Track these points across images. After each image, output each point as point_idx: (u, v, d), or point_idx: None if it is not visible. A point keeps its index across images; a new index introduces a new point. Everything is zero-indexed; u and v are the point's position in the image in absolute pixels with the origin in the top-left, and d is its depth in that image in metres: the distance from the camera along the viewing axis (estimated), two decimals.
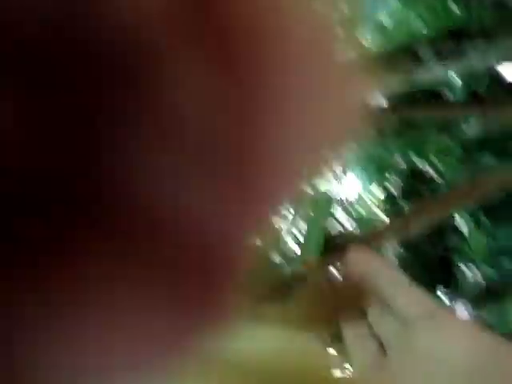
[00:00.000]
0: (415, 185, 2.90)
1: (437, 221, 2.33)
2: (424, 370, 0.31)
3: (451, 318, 0.33)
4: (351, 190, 3.55)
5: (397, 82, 1.46)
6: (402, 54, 1.42)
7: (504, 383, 0.29)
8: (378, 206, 3.42)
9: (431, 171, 2.61)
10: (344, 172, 3.38)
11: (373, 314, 0.35)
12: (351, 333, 0.35)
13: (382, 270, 0.34)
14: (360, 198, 3.53)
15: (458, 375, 0.30)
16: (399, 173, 3.05)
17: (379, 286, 0.34)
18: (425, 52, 1.43)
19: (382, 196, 3.30)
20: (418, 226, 2.14)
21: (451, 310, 0.28)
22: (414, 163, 2.70)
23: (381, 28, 2.08)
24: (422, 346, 0.31)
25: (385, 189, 3.27)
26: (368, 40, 2.95)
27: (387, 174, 3.19)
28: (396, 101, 1.78)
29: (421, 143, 2.21)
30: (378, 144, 2.83)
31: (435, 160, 2.39)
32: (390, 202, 3.29)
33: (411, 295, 0.34)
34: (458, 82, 1.69)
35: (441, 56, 1.45)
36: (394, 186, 3.16)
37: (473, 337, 0.31)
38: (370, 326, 0.34)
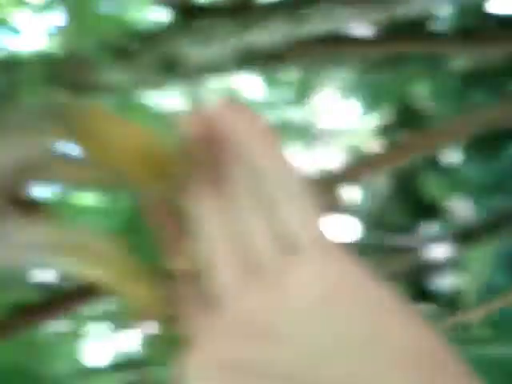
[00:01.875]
0: (408, 117, 2.87)
1: (428, 154, 2.32)
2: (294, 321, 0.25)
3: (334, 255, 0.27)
4: (345, 119, 3.53)
5: (381, 15, 1.38)
6: None
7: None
8: (372, 137, 3.42)
9: (423, 104, 2.58)
10: (338, 101, 3.35)
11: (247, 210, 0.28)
12: None
13: (273, 153, 0.28)
14: (354, 127, 3.52)
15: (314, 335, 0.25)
16: (393, 104, 3.01)
17: (267, 174, 0.27)
18: None
19: (375, 126, 3.29)
20: (408, 159, 2.12)
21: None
22: (407, 96, 2.66)
23: None
24: (296, 284, 0.26)
25: (379, 119, 3.26)
26: None
27: (382, 105, 3.15)
28: (382, 33, 1.69)
29: (411, 77, 2.14)
30: (373, 74, 2.77)
31: (426, 94, 2.36)
32: (384, 133, 3.28)
33: (302, 209, 0.27)
34: (445, 14, 1.59)
35: None
36: (388, 116, 3.14)
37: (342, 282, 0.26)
38: None
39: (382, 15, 1.37)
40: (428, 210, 2.85)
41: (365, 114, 3.46)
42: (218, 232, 0.26)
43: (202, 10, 1.30)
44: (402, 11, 1.42)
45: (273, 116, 2.55)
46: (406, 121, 2.94)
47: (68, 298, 0.55)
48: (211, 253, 0.26)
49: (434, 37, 1.71)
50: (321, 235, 0.27)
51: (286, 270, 0.25)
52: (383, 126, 3.22)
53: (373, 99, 3.05)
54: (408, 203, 2.98)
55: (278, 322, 0.24)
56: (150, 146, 0.31)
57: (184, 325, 0.29)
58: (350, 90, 3.40)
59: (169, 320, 0.32)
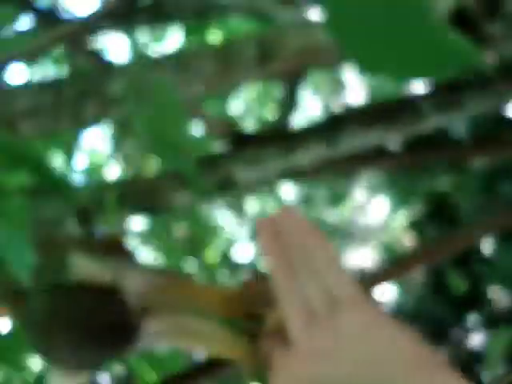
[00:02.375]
0: (439, 212, 2.93)
1: (462, 248, 2.39)
2: (343, 351, 0.35)
3: (370, 308, 0.37)
4: (376, 216, 3.63)
5: (402, 133, 1.56)
6: (401, 107, 1.53)
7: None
8: (404, 232, 3.47)
9: (451, 198, 2.66)
10: (369, 199, 3.47)
11: (305, 281, 0.39)
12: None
13: (316, 239, 0.39)
14: (385, 224, 3.60)
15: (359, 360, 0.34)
16: (424, 200, 3.07)
17: (313, 254, 0.39)
18: (425, 105, 1.54)
19: (407, 222, 3.35)
20: (444, 253, 2.21)
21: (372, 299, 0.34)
22: (436, 191, 2.74)
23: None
24: (346, 328, 0.36)
25: (410, 215, 3.32)
26: (368, 93, 3.06)
27: (412, 201, 3.21)
28: (405, 146, 1.87)
29: (435, 179, 2.28)
30: (401, 174, 2.91)
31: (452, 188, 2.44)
32: (416, 228, 3.33)
33: (342, 275, 0.38)
34: (462, 127, 1.77)
35: (440, 108, 1.55)
36: (419, 212, 3.20)
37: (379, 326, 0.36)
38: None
39: (403, 133, 1.56)
40: (465, 301, 2.86)
41: (394, 210, 3.57)
42: (290, 297, 0.39)
43: (251, 138, 1.52)
44: (422, 128, 1.61)
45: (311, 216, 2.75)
46: (436, 215, 3.01)
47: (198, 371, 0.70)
48: (287, 310, 0.39)
49: (454, 145, 1.89)
50: (357, 291, 0.37)
51: (336, 316, 0.36)
52: (414, 222, 3.29)
53: (401, 196, 3.17)
54: (444, 296, 2.98)
55: (334, 350, 0.35)
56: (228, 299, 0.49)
57: (270, 361, 0.40)
58: (379, 188, 3.54)
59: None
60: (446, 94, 1.56)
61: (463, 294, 2.90)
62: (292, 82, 1.63)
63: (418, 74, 0.43)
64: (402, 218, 3.49)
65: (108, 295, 0.48)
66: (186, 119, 0.59)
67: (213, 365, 0.57)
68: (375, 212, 3.60)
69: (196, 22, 1.63)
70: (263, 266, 0.43)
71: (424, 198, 3.07)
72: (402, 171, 2.56)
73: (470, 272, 2.90)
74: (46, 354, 0.48)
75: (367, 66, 0.41)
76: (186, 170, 0.58)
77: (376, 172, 2.38)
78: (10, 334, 1.43)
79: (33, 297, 0.50)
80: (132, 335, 0.47)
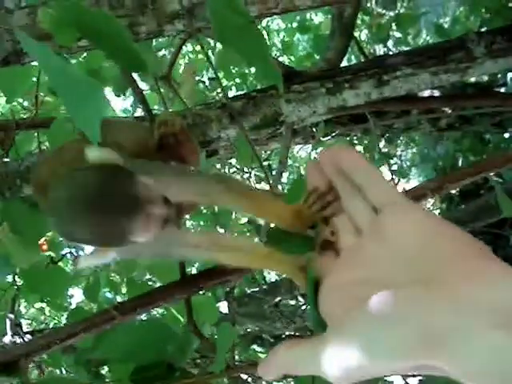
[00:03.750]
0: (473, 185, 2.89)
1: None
2: (388, 252, 0.35)
3: (412, 206, 0.36)
4: None
5: (448, 77, 1.54)
6: (454, 49, 1.50)
7: (437, 266, 0.32)
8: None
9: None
10: (403, 174, 3.43)
11: (348, 200, 0.40)
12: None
13: (358, 163, 0.39)
14: None
15: (403, 258, 0.34)
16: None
17: (355, 175, 0.39)
18: (477, 48, 1.52)
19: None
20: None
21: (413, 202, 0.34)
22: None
23: (435, 25, 2.14)
24: (388, 229, 0.36)
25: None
26: (422, 37, 3.01)
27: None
28: (449, 94, 1.85)
29: (479, 141, 2.25)
30: (436, 143, 2.88)
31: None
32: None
33: (381, 185, 0.38)
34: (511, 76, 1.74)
35: (492, 52, 1.52)
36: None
37: (423, 221, 0.35)
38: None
39: (453, 78, 1.54)
40: None
41: None
42: (340, 217, 0.41)
43: (299, 75, 1.53)
44: (473, 75, 1.59)
45: None
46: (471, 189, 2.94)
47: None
48: (338, 225, 0.41)
49: (499, 95, 1.86)
50: (397, 195, 0.37)
51: (379, 220, 0.36)
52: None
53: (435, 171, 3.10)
54: None
55: (379, 253, 0.35)
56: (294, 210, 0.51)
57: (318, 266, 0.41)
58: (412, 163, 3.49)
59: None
60: (499, 38, 1.53)
61: None
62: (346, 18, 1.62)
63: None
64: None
65: (119, 171, 0.51)
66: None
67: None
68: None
69: None
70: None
71: None
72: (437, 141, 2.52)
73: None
74: (71, 236, 0.51)
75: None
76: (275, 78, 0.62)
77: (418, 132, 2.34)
78: None
79: (54, 184, 0.52)
80: (144, 205, 0.49)
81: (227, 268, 0.59)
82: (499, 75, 1.90)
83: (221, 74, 2.56)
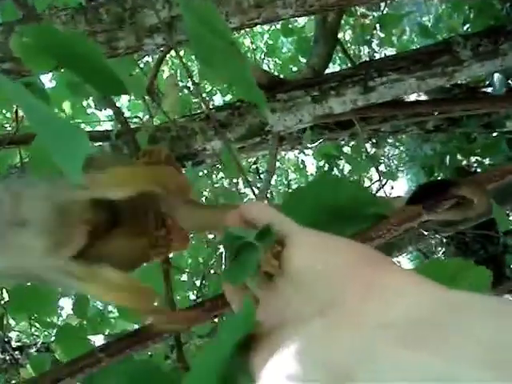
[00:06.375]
0: None
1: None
2: (293, 286, 0.34)
3: (305, 233, 0.36)
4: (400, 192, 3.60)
5: (435, 81, 1.52)
6: (440, 53, 1.49)
7: None
8: None
9: (479, 169, 2.61)
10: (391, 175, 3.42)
11: None
12: None
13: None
14: None
15: (306, 288, 0.33)
16: (447, 172, 3.03)
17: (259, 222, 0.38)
18: (463, 51, 1.50)
19: None
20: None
21: None
22: (460, 162, 2.68)
23: (419, 25, 2.12)
24: (288, 263, 0.34)
25: None
26: (408, 38, 3.00)
27: (436, 174, 3.16)
28: (436, 97, 1.84)
29: (466, 140, 2.24)
30: (424, 144, 2.86)
31: (482, 157, 2.40)
32: None
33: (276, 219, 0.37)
34: (497, 77, 1.73)
35: (479, 55, 1.51)
36: None
37: (315, 245, 0.34)
38: None
39: (440, 82, 1.53)
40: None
41: None
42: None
43: (284, 84, 1.50)
44: (460, 78, 1.57)
45: None
46: None
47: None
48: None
49: (487, 97, 1.85)
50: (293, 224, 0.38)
51: (284, 257, 0.35)
52: None
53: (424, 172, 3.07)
54: None
55: (288, 288, 0.34)
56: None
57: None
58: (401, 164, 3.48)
59: None
60: (485, 40, 1.52)
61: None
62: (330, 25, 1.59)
63: None
64: None
65: None
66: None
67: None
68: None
69: None
70: None
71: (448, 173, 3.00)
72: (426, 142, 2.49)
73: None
74: None
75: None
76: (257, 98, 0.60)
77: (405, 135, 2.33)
78: None
79: None
80: None
81: (218, 304, 0.56)
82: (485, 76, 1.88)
83: (205, 81, 2.53)
